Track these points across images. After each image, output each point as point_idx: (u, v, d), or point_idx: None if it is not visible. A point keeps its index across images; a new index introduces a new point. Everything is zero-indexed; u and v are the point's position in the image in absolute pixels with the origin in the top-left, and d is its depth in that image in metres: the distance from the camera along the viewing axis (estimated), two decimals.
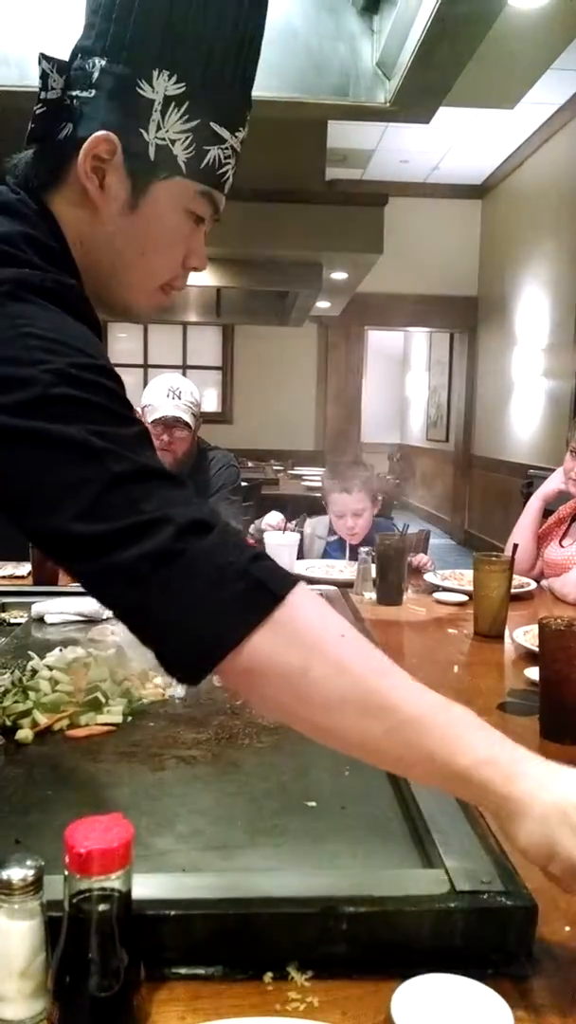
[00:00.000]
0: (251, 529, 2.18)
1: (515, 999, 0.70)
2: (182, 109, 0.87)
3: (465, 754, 0.71)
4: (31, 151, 0.91)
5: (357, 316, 9.33)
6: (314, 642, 0.73)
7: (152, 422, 2.64)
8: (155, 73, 0.85)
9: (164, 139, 0.87)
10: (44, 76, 0.86)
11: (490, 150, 8.04)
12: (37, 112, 0.88)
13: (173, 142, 0.87)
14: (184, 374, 8.86)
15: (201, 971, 0.72)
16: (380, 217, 5.78)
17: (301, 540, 2.86)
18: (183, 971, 0.72)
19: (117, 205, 0.89)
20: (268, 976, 0.72)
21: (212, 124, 0.88)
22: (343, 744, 0.77)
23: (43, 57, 0.86)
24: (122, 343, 10.29)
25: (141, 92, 0.86)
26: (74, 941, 0.64)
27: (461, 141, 7.69)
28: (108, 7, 0.86)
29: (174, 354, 10.30)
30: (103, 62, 0.86)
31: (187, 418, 2.66)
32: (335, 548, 2.84)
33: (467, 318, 9.45)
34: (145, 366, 10.21)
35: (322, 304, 7.95)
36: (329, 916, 0.73)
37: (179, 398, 2.66)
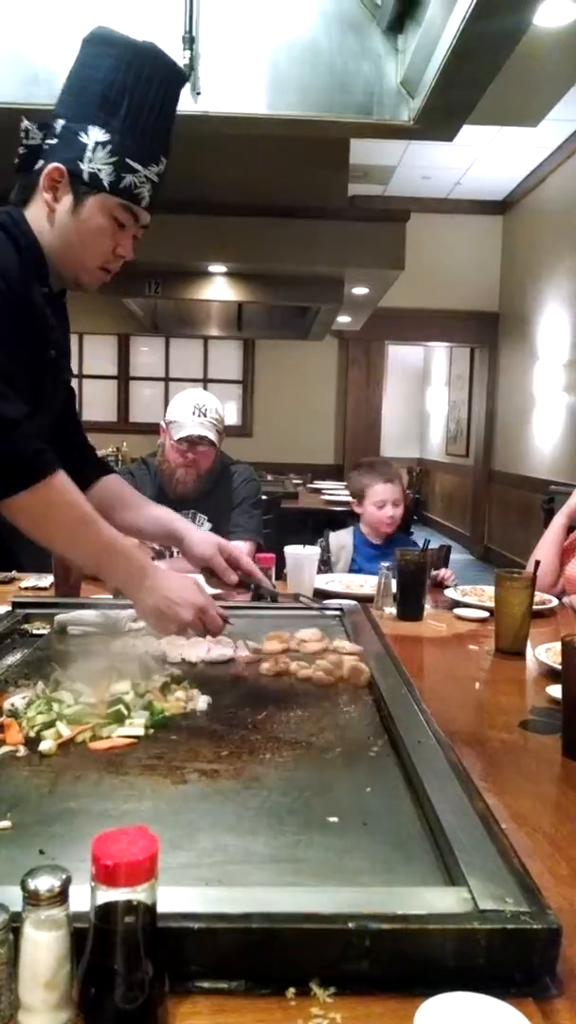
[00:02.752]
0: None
1: (538, 1019, 0.70)
2: (106, 150, 1.36)
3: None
4: (18, 182, 1.44)
5: (378, 331, 9.36)
6: (68, 500, 1.32)
7: (177, 440, 2.66)
8: (89, 126, 1.36)
9: (94, 168, 1.36)
10: (26, 131, 1.40)
11: (512, 166, 8.06)
12: (21, 153, 1.41)
13: (100, 170, 1.36)
14: (205, 388, 8.89)
15: (224, 985, 0.72)
16: (402, 233, 5.81)
17: (328, 554, 2.87)
18: (206, 985, 0.72)
19: (64, 210, 1.40)
20: (291, 991, 0.72)
21: (127, 160, 1.37)
22: (62, 547, 1.46)
23: (26, 119, 1.40)
24: (144, 356, 10.39)
25: (80, 138, 1.36)
26: (99, 952, 0.65)
27: (483, 157, 7.72)
28: (68, 89, 1.41)
29: (195, 368, 10.37)
30: (63, 121, 1.39)
31: (212, 436, 2.67)
32: (366, 559, 2.84)
33: (488, 333, 9.45)
34: (166, 379, 10.28)
35: (343, 319, 7.99)
36: (352, 933, 0.72)
37: (204, 415, 2.67)
